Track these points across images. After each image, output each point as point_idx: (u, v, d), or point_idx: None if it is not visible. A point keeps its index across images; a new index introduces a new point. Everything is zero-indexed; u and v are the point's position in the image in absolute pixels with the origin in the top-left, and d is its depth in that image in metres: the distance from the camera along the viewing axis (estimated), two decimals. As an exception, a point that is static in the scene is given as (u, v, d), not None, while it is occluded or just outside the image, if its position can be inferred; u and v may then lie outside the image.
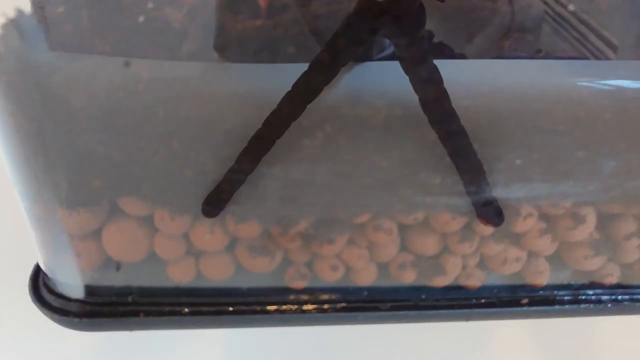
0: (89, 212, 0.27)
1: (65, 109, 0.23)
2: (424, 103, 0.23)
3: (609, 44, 0.28)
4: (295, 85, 0.22)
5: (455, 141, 0.24)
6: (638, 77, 0.24)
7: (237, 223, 0.27)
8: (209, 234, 0.28)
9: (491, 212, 0.27)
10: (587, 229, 0.28)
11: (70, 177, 0.26)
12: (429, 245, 0.29)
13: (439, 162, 0.25)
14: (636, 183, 0.27)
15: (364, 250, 0.29)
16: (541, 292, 0.31)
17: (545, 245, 0.29)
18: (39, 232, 0.29)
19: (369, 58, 0.24)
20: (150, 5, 0.24)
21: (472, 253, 0.29)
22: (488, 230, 0.28)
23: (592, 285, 0.31)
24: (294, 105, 0.22)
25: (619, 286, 0.31)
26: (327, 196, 0.26)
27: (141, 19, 0.24)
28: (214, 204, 0.26)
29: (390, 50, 0.30)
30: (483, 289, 0.31)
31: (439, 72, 0.22)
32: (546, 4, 0.28)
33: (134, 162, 0.25)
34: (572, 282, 0.31)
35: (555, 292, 0.31)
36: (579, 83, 0.24)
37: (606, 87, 0.24)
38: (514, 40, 0.28)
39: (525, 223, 0.28)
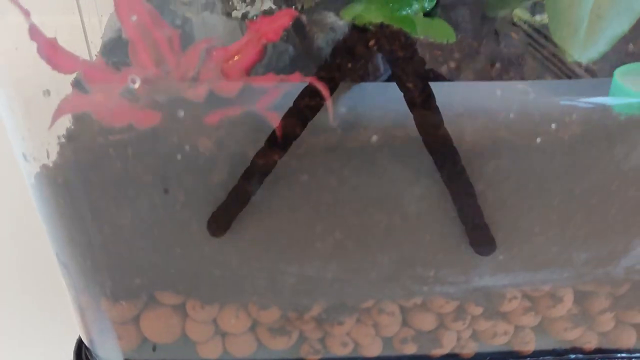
0: (130, 303, 0.31)
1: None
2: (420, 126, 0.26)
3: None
4: (293, 106, 0.26)
5: (450, 167, 0.27)
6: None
7: (259, 309, 0.31)
8: (234, 319, 0.32)
9: (483, 240, 0.29)
10: (565, 307, 0.32)
11: (116, 276, 0.30)
12: (427, 323, 0.32)
13: (433, 258, 0.29)
14: (605, 270, 0.30)
15: (370, 328, 0.33)
16: (528, 358, 0.35)
17: (530, 320, 0.33)
18: (83, 316, 0.33)
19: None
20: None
21: (465, 328, 0.33)
22: (478, 310, 0.32)
23: (574, 350, 0.35)
24: (293, 126, 0.26)
25: (597, 351, 0.35)
26: (337, 287, 0.30)
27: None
28: (219, 224, 0.28)
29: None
30: (476, 356, 0.34)
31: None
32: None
33: (171, 265, 0.29)
34: (556, 348, 0.35)
35: (541, 357, 0.35)
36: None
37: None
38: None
39: (510, 304, 0.32)
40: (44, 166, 0.29)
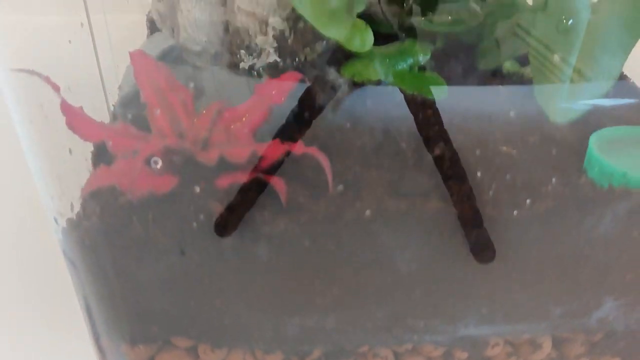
0: (147, 346, 0.34)
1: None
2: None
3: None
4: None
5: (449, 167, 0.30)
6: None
7: (264, 353, 0.34)
8: (241, 361, 0.35)
9: (483, 248, 0.32)
10: (544, 352, 0.35)
11: (135, 323, 0.33)
12: (418, 365, 0.36)
13: (424, 310, 0.32)
14: (579, 321, 0.33)
15: (366, 369, 0.36)
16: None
17: (512, 363, 0.36)
18: (103, 357, 0.37)
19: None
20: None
21: (453, 370, 0.36)
22: (464, 355, 0.35)
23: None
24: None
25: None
26: (335, 335, 0.33)
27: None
28: (227, 225, 0.30)
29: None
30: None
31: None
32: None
33: (186, 313, 0.33)
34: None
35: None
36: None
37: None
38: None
39: (494, 350, 0.35)
40: (69, 220, 0.32)
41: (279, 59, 0.44)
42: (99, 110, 0.44)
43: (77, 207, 0.34)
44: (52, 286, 0.47)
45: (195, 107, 0.39)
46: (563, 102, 0.39)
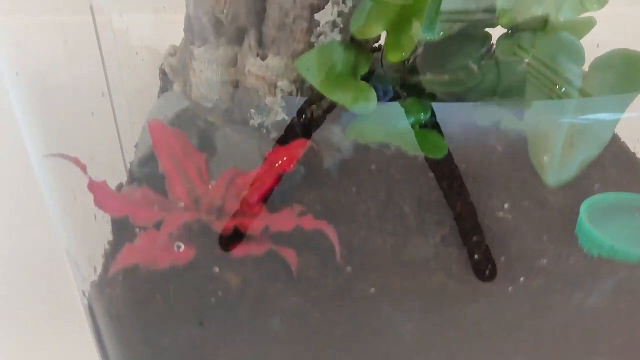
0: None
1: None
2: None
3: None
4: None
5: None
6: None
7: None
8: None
9: (485, 268, 0.35)
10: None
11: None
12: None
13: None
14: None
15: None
16: None
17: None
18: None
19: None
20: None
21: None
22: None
23: None
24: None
25: None
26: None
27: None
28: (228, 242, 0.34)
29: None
30: None
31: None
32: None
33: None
34: None
35: None
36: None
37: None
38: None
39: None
40: (93, 284, 0.35)
41: (287, 117, 0.47)
42: (117, 167, 0.47)
43: (100, 270, 0.36)
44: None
45: (209, 167, 0.41)
46: (556, 165, 0.41)
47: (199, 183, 0.38)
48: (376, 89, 0.43)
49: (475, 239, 0.35)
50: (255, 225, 0.34)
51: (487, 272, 0.34)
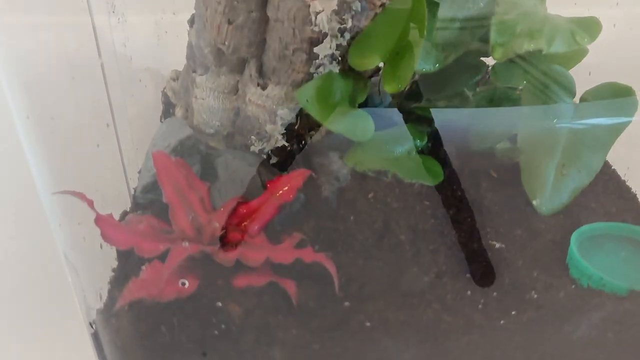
0: None
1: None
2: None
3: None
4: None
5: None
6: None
7: None
8: None
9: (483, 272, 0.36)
10: None
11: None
12: None
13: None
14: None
15: None
16: None
17: None
18: None
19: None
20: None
21: None
22: None
23: None
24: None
25: None
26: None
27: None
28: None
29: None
30: None
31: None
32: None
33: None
34: None
35: None
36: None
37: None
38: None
39: None
40: (99, 310, 0.36)
41: (287, 144, 0.48)
42: (121, 193, 0.48)
43: (105, 297, 0.37)
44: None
45: (212, 194, 0.42)
46: (548, 192, 0.42)
47: (201, 213, 0.39)
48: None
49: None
50: (257, 257, 0.35)
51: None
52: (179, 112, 0.53)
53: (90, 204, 0.34)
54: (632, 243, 0.38)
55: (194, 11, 0.47)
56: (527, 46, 0.39)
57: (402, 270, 0.38)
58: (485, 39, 0.43)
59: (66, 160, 0.37)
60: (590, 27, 0.42)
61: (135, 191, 0.47)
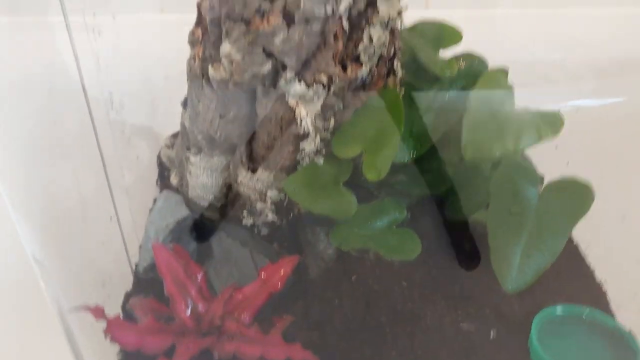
0: None
1: None
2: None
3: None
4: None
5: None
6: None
7: None
8: None
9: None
10: None
11: None
12: None
13: None
14: None
15: None
16: None
17: None
18: None
19: None
20: None
21: None
22: None
23: None
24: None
25: None
26: None
27: None
28: None
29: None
30: None
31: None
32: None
33: None
34: None
35: None
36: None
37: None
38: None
39: None
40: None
41: (276, 218, 0.51)
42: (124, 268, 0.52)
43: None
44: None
45: (208, 274, 0.46)
46: (514, 273, 0.46)
47: (200, 301, 0.43)
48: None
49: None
50: (252, 352, 0.39)
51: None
52: (174, 179, 0.56)
53: (102, 314, 0.38)
54: (588, 326, 0.43)
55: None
56: (495, 149, 0.43)
57: (382, 354, 0.42)
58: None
59: (64, 235, 0.41)
60: (553, 122, 0.45)
61: (136, 267, 0.50)
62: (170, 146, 0.59)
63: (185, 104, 0.52)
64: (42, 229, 0.42)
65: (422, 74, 0.48)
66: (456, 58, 0.50)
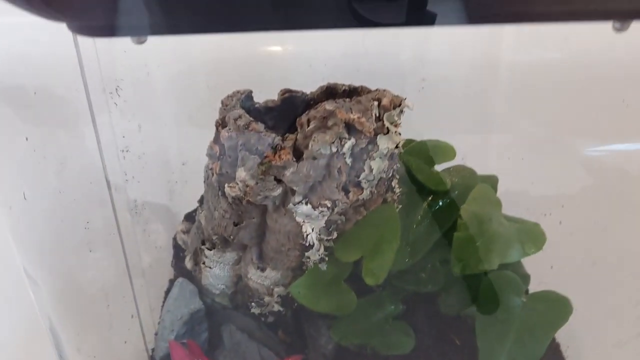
0: None
1: None
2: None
3: None
4: None
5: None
6: None
7: None
8: None
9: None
10: None
11: None
12: None
13: None
14: None
15: None
16: None
17: None
18: None
19: None
20: None
21: None
22: None
23: None
24: None
25: None
26: None
27: None
28: None
29: None
30: None
31: None
32: None
33: None
34: None
35: None
36: None
37: None
38: None
39: None
40: None
41: (281, 308, 0.56)
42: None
43: None
44: None
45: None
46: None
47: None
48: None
49: None
50: None
51: None
52: (188, 263, 0.61)
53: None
54: None
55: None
56: (482, 267, 0.47)
57: None
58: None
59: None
60: (536, 238, 0.50)
61: (152, 354, 0.55)
62: (186, 232, 0.63)
63: (201, 202, 0.57)
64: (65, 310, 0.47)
65: (418, 189, 0.52)
66: (448, 171, 0.54)
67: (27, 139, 0.33)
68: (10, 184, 0.34)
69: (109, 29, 0.22)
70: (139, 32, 0.24)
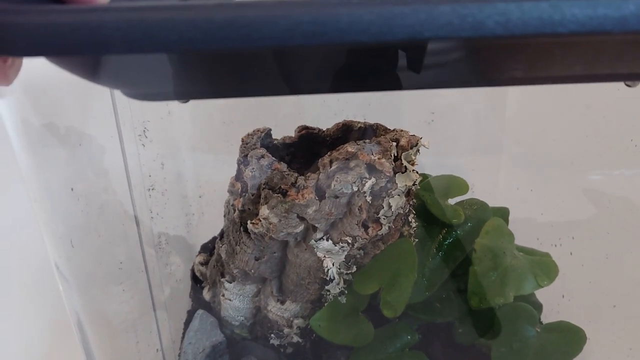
0: None
1: None
2: None
3: None
4: None
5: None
6: None
7: None
8: None
9: None
10: None
11: None
12: None
13: None
14: None
15: None
16: None
17: None
18: None
19: None
20: None
21: None
22: None
23: None
24: None
25: None
26: None
27: None
28: None
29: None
30: None
31: None
32: None
33: None
34: None
35: None
36: None
37: None
38: None
39: None
40: None
41: (300, 339, 0.57)
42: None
43: None
44: None
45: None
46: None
47: None
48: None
49: None
50: None
51: None
52: (206, 295, 0.62)
53: None
54: None
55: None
56: (498, 300, 0.49)
57: None
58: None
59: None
60: (549, 269, 0.52)
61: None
62: (204, 263, 0.65)
63: (221, 236, 0.58)
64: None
65: (433, 222, 0.54)
66: (461, 204, 0.56)
67: (72, 189, 0.35)
68: (60, 232, 0.36)
69: (161, 95, 0.24)
70: (185, 97, 0.26)
